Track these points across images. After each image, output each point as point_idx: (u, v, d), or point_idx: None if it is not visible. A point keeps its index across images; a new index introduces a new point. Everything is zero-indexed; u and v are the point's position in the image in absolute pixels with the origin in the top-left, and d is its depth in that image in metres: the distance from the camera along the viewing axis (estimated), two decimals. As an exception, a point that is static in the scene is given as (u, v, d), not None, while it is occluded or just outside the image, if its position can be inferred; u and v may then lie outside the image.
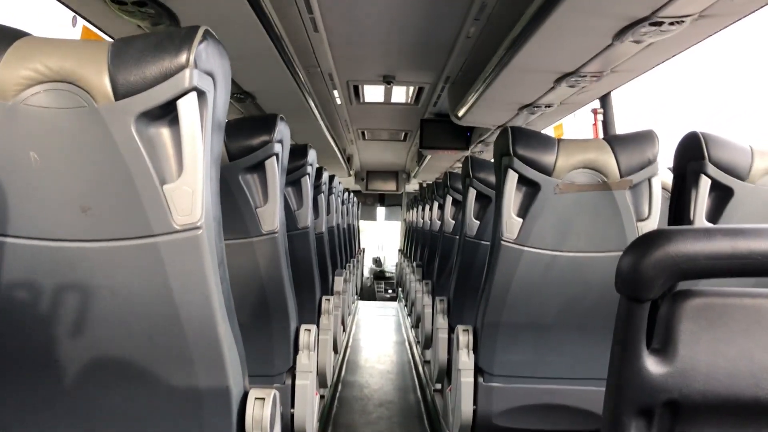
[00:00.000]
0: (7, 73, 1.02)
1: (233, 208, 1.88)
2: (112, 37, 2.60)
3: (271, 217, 1.92)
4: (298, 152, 2.54)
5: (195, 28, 1.07)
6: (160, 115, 1.06)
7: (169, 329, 1.15)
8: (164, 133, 1.07)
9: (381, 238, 12.93)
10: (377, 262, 12.68)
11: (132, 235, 1.09)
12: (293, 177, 2.54)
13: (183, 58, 1.04)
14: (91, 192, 1.07)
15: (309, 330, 2.22)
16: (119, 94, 1.03)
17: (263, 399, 1.32)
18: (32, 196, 1.07)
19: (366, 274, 11.83)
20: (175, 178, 1.07)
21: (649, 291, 0.76)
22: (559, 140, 1.96)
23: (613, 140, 1.96)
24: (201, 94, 1.07)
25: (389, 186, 10.75)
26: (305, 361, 2.19)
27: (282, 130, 1.91)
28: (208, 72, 1.08)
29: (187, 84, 1.04)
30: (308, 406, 2.16)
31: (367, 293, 11.20)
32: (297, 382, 2.16)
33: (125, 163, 1.05)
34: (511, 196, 1.96)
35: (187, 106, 1.05)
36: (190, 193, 1.07)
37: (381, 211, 12.46)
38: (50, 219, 1.08)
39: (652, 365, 0.78)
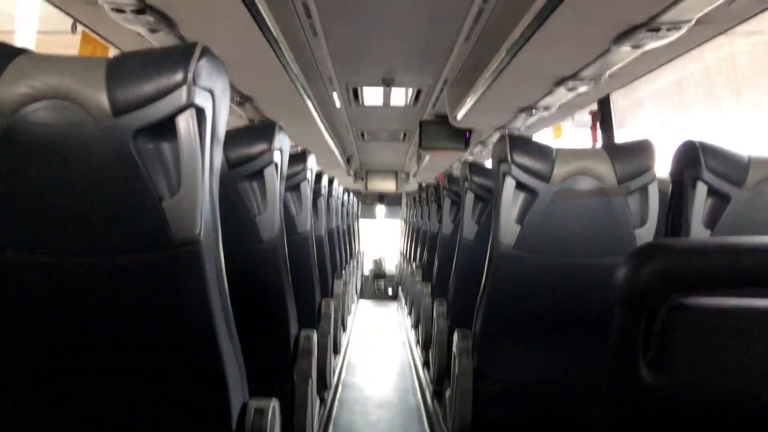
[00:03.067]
0: (6, 90, 1.03)
1: (232, 216, 1.88)
2: (111, 43, 2.61)
3: (270, 224, 1.92)
4: (297, 158, 2.55)
5: (193, 45, 1.08)
6: (159, 131, 1.06)
7: (169, 342, 1.16)
8: (163, 149, 1.08)
9: (380, 238, 12.92)
10: (377, 261, 12.67)
11: (131, 251, 1.09)
12: (292, 182, 2.55)
13: (181, 75, 1.04)
14: (90, 207, 1.08)
15: (308, 336, 2.23)
16: (117, 110, 1.03)
17: (262, 410, 1.33)
18: (31, 212, 1.08)
19: (365, 273, 11.84)
20: (174, 193, 1.08)
21: (646, 303, 0.77)
22: (557, 149, 1.97)
23: (610, 149, 1.98)
24: (199, 111, 1.07)
25: (389, 186, 10.74)
26: (305, 367, 2.19)
27: (281, 138, 1.91)
28: (206, 88, 1.08)
29: (185, 100, 1.04)
30: (308, 411, 2.17)
31: (367, 292, 11.20)
32: (297, 387, 2.17)
33: (124, 179, 1.06)
34: (509, 202, 1.96)
35: (186, 123, 1.05)
36: (189, 209, 1.08)
37: (380, 210, 12.45)
38: (49, 235, 1.09)
39: (649, 375, 0.78)
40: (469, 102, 3.86)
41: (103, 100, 1.03)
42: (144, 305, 1.13)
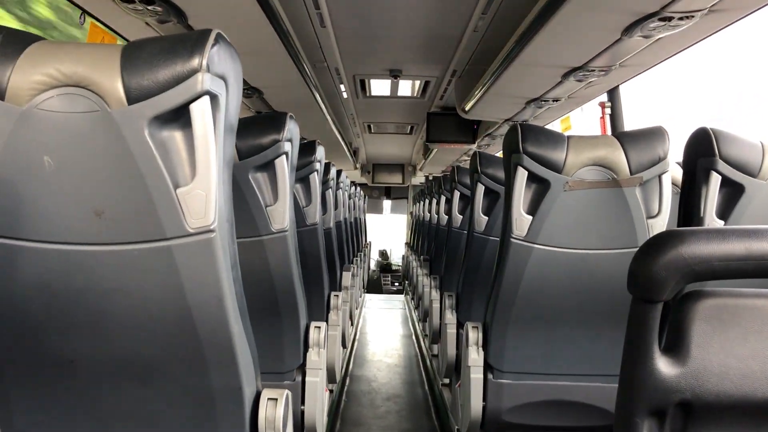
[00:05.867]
0: (21, 78, 1.03)
1: (243, 207, 1.88)
2: (120, 35, 2.61)
3: (281, 215, 1.92)
4: (306, 149, 2.54)
5: (207, 32, 1.07)
6: (173, 118, 1.06)
7: (183, 331, 1.16)
8: (177, 136, 1.08)
9: (387, 231, 12.94)
10: (384, 254, 12.70)
11: (146, 239, 1.09)
12: (302, 174, 2.55)
13: (196, 62, 1.04)
14: (105, 196, 1.08)
15: (319, 327, 2.23)
16: (132, 98, 1.03)
17: (276, 399, 1.33)
18: (46, 201, 1.07)
19: (372, 266, 11.85)
20: (189, 181, 1.08)
21: (662, 292, 0.76)
22: (569, 137, 1.95)
23: (623, 137, 1.95)
24: (213, 98, 1.07)
25: (395, 179, 10.75)
26: (315, 358, 2.20)
27: (291, 128, 1.91)
28: (220, 75, 1.08)
29: (199, 88, 1.04)
30: (318, 402, 2.18)
31: (373, 286, 11.22)
32: (307, 378, 2.17)
33: (139, 167, 1.05)
34: (521, 193, 1.95)
35: (200, 110, 1.05)
36: (204, 197, 1.07)
37: (387, 203, 12.46)
38: (64, 223, 1.09)
39: (665, 366, 0.78)
40: (477, 94, 3.85)
41: (118, 87, 1.03)
42: (158, 294, 1.13)
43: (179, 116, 1.06)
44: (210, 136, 1.06)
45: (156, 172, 1.06)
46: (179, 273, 1.11)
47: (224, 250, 1.13)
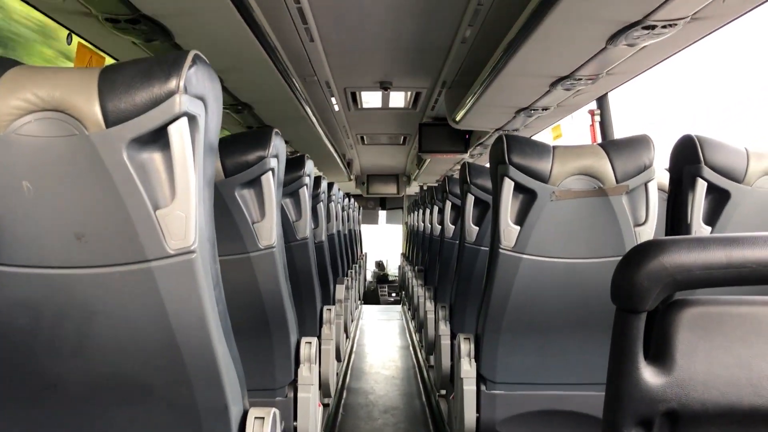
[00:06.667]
0: None
1: (230, 224, 1.88)
2: (107, 53, 2.61)
3: (268, 231, 1.92)
4: (295, 163, 2.54)
5: (184, 53, 1.08)
6: (152, 140, 1.06)
7: (166, 351, 1.16)
8: (156, 158, 1.08)
9: (383, 242, 12.93)
10: (380, 265, 12.68)
11: (126, 261, 1.09)
12: (291, 189, 2.55)
13: (173, 83, 1.04)
14: (85, 219, 1.07)
15: (310, 342, 2.22)
16: (110, 121, 1.03)
17: (263, 418, 1.33)
18: (26, 225, 1.07)
19: (369, 278, 11.82)
20: (168, 203, 1.08)
21: (645, 302, 0.76)
22: (554, 147, 1.96)
23: (608, 146, 1.96)
24: (192, 119, 1.07)
25: (390, 189, 10.75)
26: (306, 374, 2.19)
27: (277, 144, 1.91)
28: (198, 96, 1.08)
29: (177, 109, 1.04)
30: (311, 418, 2.17)
31: (370, 297, 11.19)
32: (299, 394, 2.16)
33: (118, 190, 1.05)
34: (508, 203, 1.95)
35: (178, 131, 1.05)
36: (183, 218, 1.07)
37: (383, 214, 12.46)
38: (44, 247, 1.09)
39: (650, 375, 0.78)
40: (468, 103, 3.87)
41: (96, 111, 1.03)
42: (140, 315, 1.13)
43: (158, 138, 1.06)
44: (189, 157, 1.06)
45: (135, 194, 1.06)
46: (161, 294, 1.10)
47: (206, 271, 1.13)
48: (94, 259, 1.09)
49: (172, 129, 1.05)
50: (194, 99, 1.07)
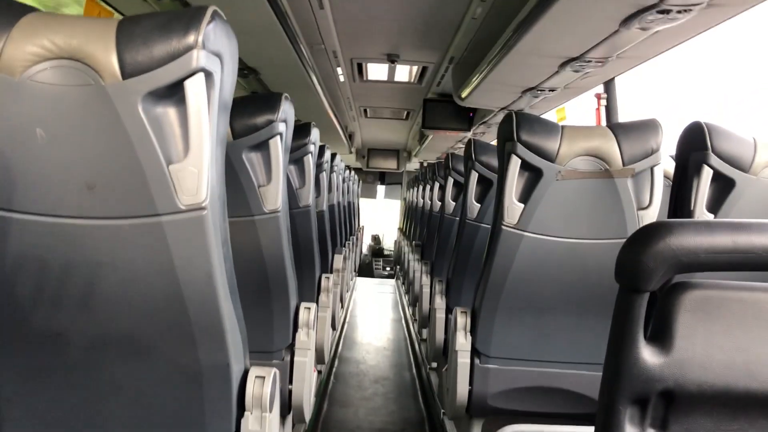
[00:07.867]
0: (14, 49, 1.02)
1: (236, 186, 1.88)
2: (117, 10, 2.58)
3: (274, 195, 1.92)
4: (301, 130, 2.54)
5: (203, 9, 1.07)
6: (167, 95, 1.06)
7: (172, 307, 1.17)
8: (171, 113, 1.08)
9: (380, 216, 12.95)
10: (376, 239, 12.72)
11: (137, 214, 1.10)
12: (296, 155, 2.54)
13: (191, 38, 1.03)
14: (97, 170, 1.08)
15: (308, 308, 2.24)
16: (127, 73, 1.03)
17: (263, 377, 1.35)
18: (38, 173, 1.07)
19: (365, 251, 11.86)
20: (182, 158, 1.08)
21: (649, 282, 0.77)
22: (563, 127, 1.96)
23: (616, 128, 1.96)
24: (208, 75, 1.07)
25: (390, 164, 10.73)
26: (304, 339, 2.21)
27: (286, 109, 1.90)
28: (215, 53, 1.08)
29: (194, 65, 1.04)
30: (306, 382, 2.19)
31: (365, 270, 11.24)
32: (296, 358, 2.19)
33: (132, 142, 1.05)
34: (514, 181, 1.96)
35: (195, 87, 1.05)
36: (196, 174, 1.08)
37: (381, 189, 12.45)
38: (55, 196, 1.09)
39: (649, 355, 0.79)
40: (474, 81, 3.84)
41: (113, 62, 1.02)
42: (148, 269, 1.14)
43: (173, 93, 1.06)
44: (204, 113, 1.06)
45: (149, 147, 1.06)
46: (169, 249, 1.11)
47: (215, 228, 1.14)
48: (104, 211, 1.09)
49: (189, 84, 1.04)
50: (211, 55, 1.07)
